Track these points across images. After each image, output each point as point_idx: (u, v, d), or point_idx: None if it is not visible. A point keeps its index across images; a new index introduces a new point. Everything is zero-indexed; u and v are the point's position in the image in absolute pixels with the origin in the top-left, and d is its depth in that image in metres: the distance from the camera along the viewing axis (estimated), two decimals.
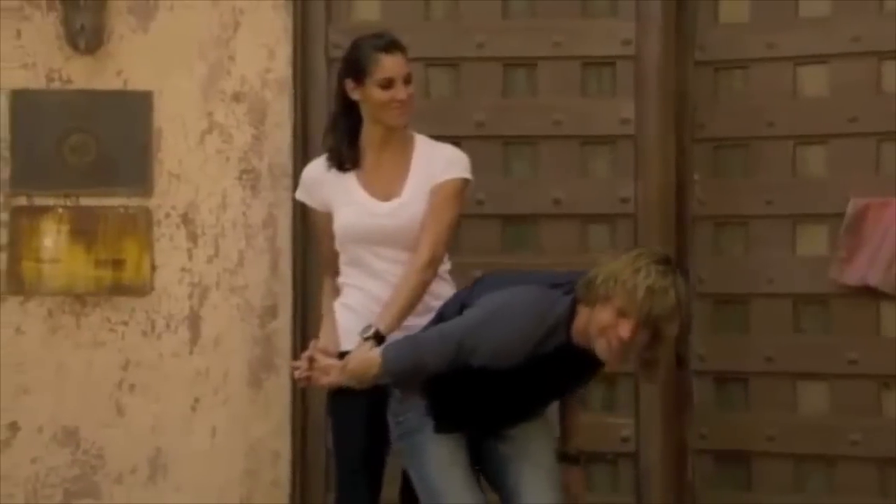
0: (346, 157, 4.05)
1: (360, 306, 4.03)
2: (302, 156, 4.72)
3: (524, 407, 3.83)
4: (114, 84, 4.72)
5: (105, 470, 4.72)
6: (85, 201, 4.71)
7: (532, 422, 3.85)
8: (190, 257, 4.73)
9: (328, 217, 4.09)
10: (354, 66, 4.02)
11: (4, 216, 4.70)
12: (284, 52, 4.73)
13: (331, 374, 3.85)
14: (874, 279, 4.48)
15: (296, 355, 4.70)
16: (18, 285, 4.70)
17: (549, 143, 4.71)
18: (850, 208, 4.51)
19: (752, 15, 4.66)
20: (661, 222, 4.65)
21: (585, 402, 4.34)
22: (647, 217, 4.65)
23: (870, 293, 4.49)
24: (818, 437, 4.56)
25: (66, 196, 4.71)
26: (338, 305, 4.09)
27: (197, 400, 4.72)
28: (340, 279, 4.11)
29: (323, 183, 4.09)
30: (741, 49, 4.65)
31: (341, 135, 4.07)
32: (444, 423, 3.76)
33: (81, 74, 4.71)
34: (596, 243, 4.69)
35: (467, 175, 4.08)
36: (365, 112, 4.05)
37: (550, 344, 3.60)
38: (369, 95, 4.01)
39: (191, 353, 4.72)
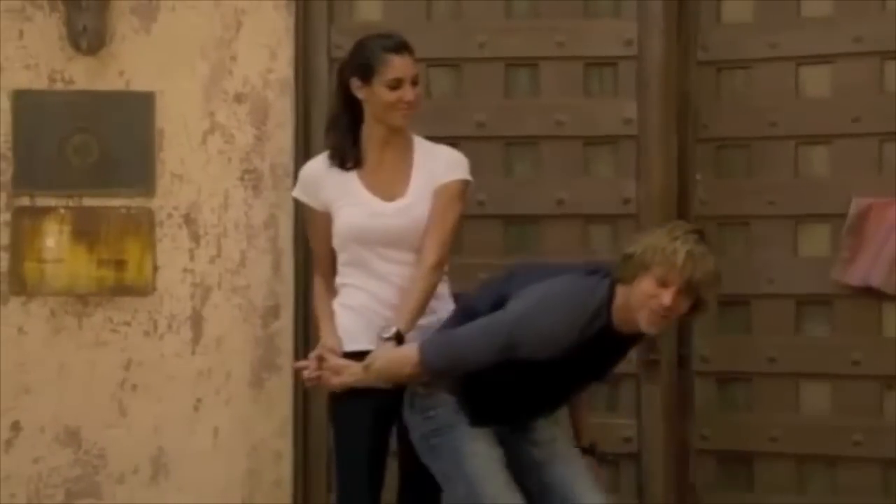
0: (348, 156, 4.04)
1: (363, 308, 4.02)
2: (304, 156, 4.71)
3: (556, 396, 3.88)
4: (116, 85, 4.72)
5: (107, 470, 4.72)
6: (87, 202, 4.71)
7: (551, 424, 3.90)
8: (192, 257, 4.73)
9: (326, 216, 4.08)
10: (362, 65, 4.02)
11: (7, 216, 4.71)
12: (286, 52, 4.73)
13: (343, 375, 3.86)
14: (877, 280, 4.47)
15: (298, 356, 4.71)
16: (21, 286, 4.70)
17: (551, 143, 4.70)
18: (853, 208, 4.50)
19: (755, 15, 4.65)
20: (664, 222, 4.63)
21: (589, 402, 4.34)
22: (649, 217, 4.63)
23: (872, 293, 4.48)
24: (821, 437, 4.56)
25: (69, 196, 4.71)
26: (338, 306, 4.08)
27: (199, 400, 4.72)
28: (338, 280, 4.10)
29: (324, 182, 4.08)
30: (743, 49, 4.64)
31: (343, 133, 4.06)
32: (479, 417, 3.76)
33: (84, 75, 4.72)
34: (598, 244, 4.68)
35: (468, 176, 4.09)
36: (368, 111, 4.04)
37: (593, 329, 3.65)
38: (376, 95, 4.00)
39: (193, 353, 4.72)
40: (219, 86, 4.72)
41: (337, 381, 3.89)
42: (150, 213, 4.71)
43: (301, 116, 4.73)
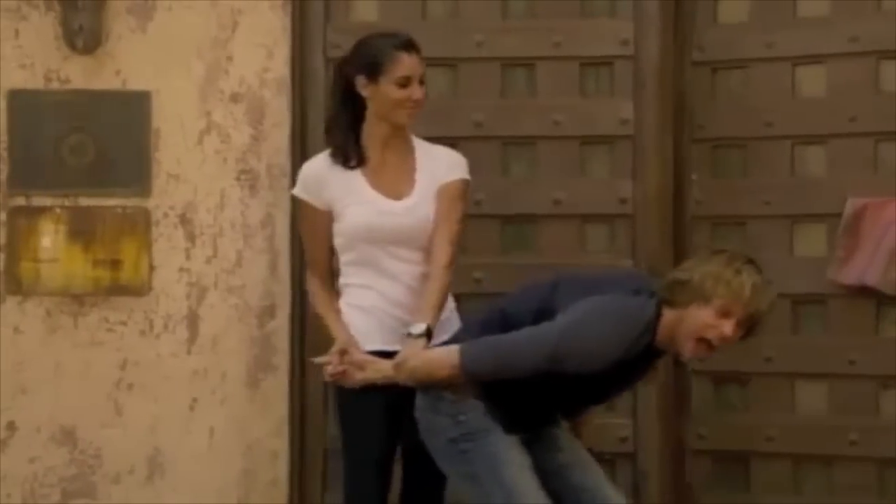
0: (351, 155, 4.04)
1: (373, 308, 4.01)
2: (300, 156, 4.71)
3: (583, 406, 3.93)
4: (112, 84, 4.71)
5: (103, 470, 4.71)
6: (83, 201, 4.71)
7: (567, 429, 3.94)
8: (188, 257, 4.73)
9: (328, 215, 4.06)
10: (369, 63, 4.00)
11: (2, 216, 4.70)
12: (283, 52, 4.73)
13: (367, 370, 3.84)
14: (872, 279, 4.47)
15: (294, 356, 4.71)
16: (16, 285, 4.69)
17: (547, 143, 4.71)
18: (849, 208, 4.50)
19: (751, 15, 4.66)
20: (660, 222, 4.65)
21: None
22: (645, 217, 4.65)
23: (868, 293, 4.49)
24: (817, 437, 4.56)
25: (65, 196, 4.71)
26: (345, 306, 4.06)
27: (195, 400, 4.72)
28: (342, 280, 4.08)
29: (327, 180, 4.05)
30: (739, 49, 4.65)
31: (345, 132, 4.06)
32: (509, 424, 3.75)
33: (80, 74, 4.71)
34: (594, 243, 4.69)
35: (468, 176, 4.10)
36: (371, 110, 4.04)
37: (638, 347, 3.66)
38: (382, 93, 4.00)
39: (189, 353, 4.72)
40: (215, 85, 4.72)
41: (361, 377, 3.87)
42: (146, 213, 4.71)
43: (297, 116, 4.73)
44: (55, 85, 4.71)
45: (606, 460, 4.57)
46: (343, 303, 4.07)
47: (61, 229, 4.71)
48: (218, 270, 4.72)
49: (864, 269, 4.49)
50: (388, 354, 3.90)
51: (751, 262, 3.70)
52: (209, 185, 4.72)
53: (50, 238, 4.70)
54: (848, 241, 4.50)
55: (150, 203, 4.71)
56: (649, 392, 4.57)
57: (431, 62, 4.64)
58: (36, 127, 4.69)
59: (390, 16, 4.73)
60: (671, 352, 3.79)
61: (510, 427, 3.76)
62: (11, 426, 4.70)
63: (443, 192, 4.02)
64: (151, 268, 4.71)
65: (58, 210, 4.71)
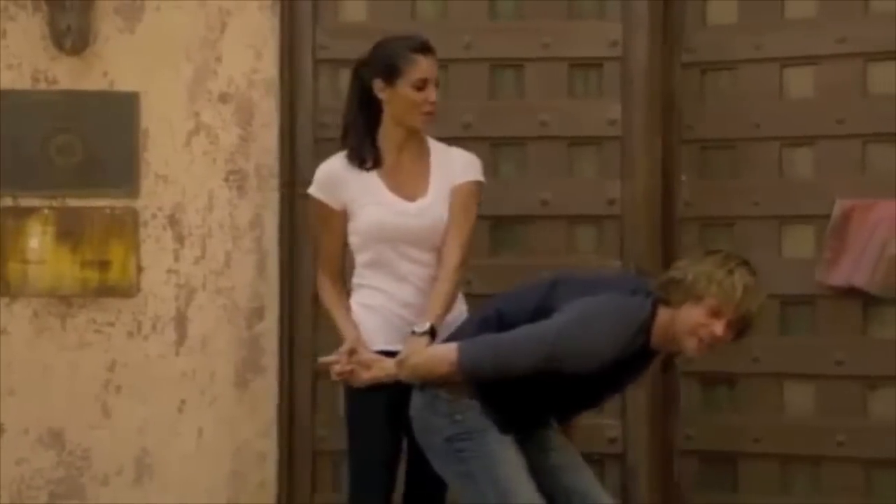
0: (368, 157, 4.05)
1: (384, 309, 4.02)
2: (289, 157, 4.72)
3: (577, 406, 3.94)
4: (100, 85, 4.71)
5: (91, 471, 4.71)
6: (71, 202, 4.70)
7: (558, 430, 3.96)
8: (176, 258, 4.72)
9: (343, 216, 4.07)
10: (387, 66, 4.01)
11: None
12: (271, 52, 4.72)
13: (372, 369, 3.85)
14: (860, 280, 4.49)
15: (282, 357, 4.71)
16: (4, 286, 4.68)
17: (536, 144, 4.71)
18: (836, 209, 4.51)
19: (739, 16, 4.66)
20: (648, 223, 4.66)
21: None
22: (633, 218, 4.66)
23: (856, 294, 4.50)
24: (804, 437, 4.57)
25: (53, 197, 4.70)
26: (356, 305, 4.06)
27: (183, 401, 4.71)
28: (355, 280, 4.09)
29: (345, 181, 4.06)
30: (728, 50, 4.65)
31: (362, 134, 4.06)
32: (504, 423, 3.76)
33: (67, 75, 4.70)
34: (583, 244, 4.70)
35: (482, 177, 4.12)
36: (388, 112, 4.05)
37: (634, 346, 3.69)
38: (400, 96, 4.01)
39: (177, 354, 4.71)
40: (203, 86, 4.71)
41: (367, 376, 3.88)
42: (134, 214, 4.70)
43: (286, 117, 4.73)
44: (43, 85, 4.70)
45: (595, 461, 4.57)
46: (354, 301, 4.08)
47: (49, 230, 4.70)
48: (206, 271, 4.72)
49: (851, 270, 4.50)
50: (392, 354, 3.92)
51: (745, 263, 3.72)
52: (197, 185, 4.72)
53: (38, 239, 4.69)
54: (835, 243, 4.51)
55: (139, 204, 4.71)
56: (638, 393, 4.57)
57: None
58: (23, 127, 4.68)
59: (379, 17, 4.73)
60: (666, 352, 3.81)
61: (505, 427, 3.76)
62: None
63: (456, 194, 4.04)
64: (140, 269, 4.71)
65: (46, 211, 4.70)
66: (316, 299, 4.70)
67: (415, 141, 4.07)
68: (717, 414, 4.68)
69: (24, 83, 4.70)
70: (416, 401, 3.83)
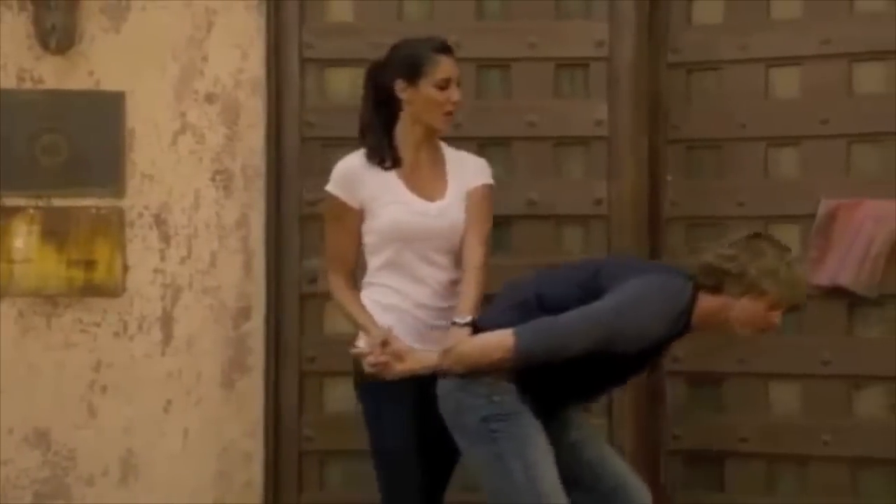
0: (387, 156, 4.05)
1: (397, 308, 4.01)
2: (275, 156, 4.72)
3: (606, 387, 4.06)
4: (85, 84, 4.69)
5: (76, 472, 4.70)
6: (56, 202, 4.69)
7: (580, 409, 4.08)
8: (162, 258, 4.71)
9: (359, 214, 4.05)
10: (409, 67, 4.01)
11: None
12: (258, 52, 4.72)
13: (407, 361, 3.84)
14: (845, 279, 4.50)
15: (269, 357, 4.70)
16: None
17: (522, 144, 4.72)
18: (821, 209, 4.53)
19: (725, 17, 4.67)
20: (635, 223, 4.67)
21: None
22: (620, 218, 4.66)
23: (841, 294, 4.51)
24: (791, 437, 4.58)
25: (38, 196, 4.69)
26: (371, 303, 4.04)
27: (169, 401, 4.70)
28: (367, 279, 4.08)
29: (364, 179, 4.05)
30: (714, 51, 4.67)
31: (380, 134, 4.07)
32: (539, 406, 3.80)
33: (53, 74, 4.69)
34: (570, 244, 4.70)
35: (492, 181, 4.15)
36: (408, 112, 4.05)
37: (677, 327, 3.78)
38: (422, 95, 4.01)
39: (163, 354, 4.71)
40: (189, 86, 4.71)
41: (401, 368, 3.85)
42: (120, 214, 4.69)
43: (272, 117, 4.72)
44: (28, 85, 4.69)
45: None
46: (367, 298, 4.05)
47: (34, 230, 4.68)
48: (192, 271, 4.71)
49: (837, 269, 4.51)
50: None
51: (789, 250, 3.84)
52: (184, 185, 4.71)
53: (23, 238, 4.68)
54: (821, 242, 4.53)
55: (125, 203, 4.70)
56: (624, 392, 4.58)
57: None
58: (8, 127, 4.67)
59: (366, 17, 4.73)
60: (701, 331, 3.88)
61: (537, 412, 3.81)
62: None
63: (472, 196, 4.07)
64: (125, 268, 4.70)
65: (31, 210, 4.69)
66: (303, 299, 4.73)
67: (431, 142, 4.09)
68: (703, 414, 4.69)
69: (9, 82, 4.69)
70: (448, 383, 3.82)
